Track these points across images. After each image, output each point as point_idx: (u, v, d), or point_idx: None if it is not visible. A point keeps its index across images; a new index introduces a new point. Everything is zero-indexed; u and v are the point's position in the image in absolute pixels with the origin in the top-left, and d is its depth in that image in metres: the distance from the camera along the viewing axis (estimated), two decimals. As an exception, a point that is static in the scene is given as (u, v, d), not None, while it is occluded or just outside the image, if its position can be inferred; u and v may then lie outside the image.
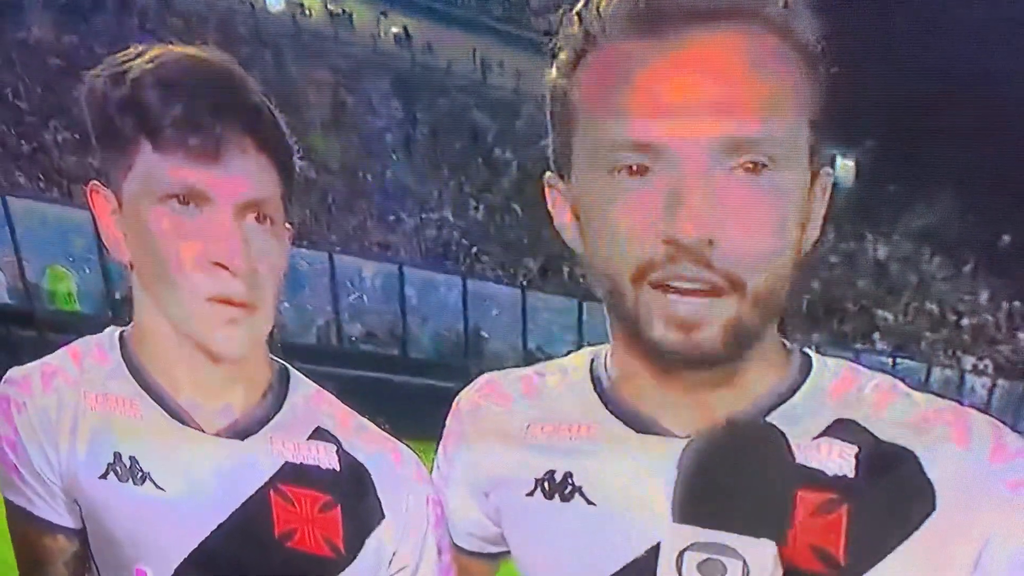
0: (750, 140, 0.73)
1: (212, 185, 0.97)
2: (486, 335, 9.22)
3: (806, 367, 0.82)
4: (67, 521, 1.07)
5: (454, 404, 0.98)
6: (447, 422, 0.99)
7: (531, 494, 0.86)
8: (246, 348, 1.01)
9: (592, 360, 0.88)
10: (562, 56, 0.80)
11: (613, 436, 0.83)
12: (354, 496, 1.06)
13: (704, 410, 0.77)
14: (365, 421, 1.09)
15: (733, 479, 0.69)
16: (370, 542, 1.02)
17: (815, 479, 0.75)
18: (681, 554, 0.69)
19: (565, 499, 0.84)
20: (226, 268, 0.95)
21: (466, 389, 0.98)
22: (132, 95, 0.98)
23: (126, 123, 0.99)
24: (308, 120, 11.23)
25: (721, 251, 0.73)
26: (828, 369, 0.83)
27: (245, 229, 0.98)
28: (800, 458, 0.74)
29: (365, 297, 8.52)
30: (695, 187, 0.74)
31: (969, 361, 13.38)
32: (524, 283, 9.47)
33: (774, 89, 0.74)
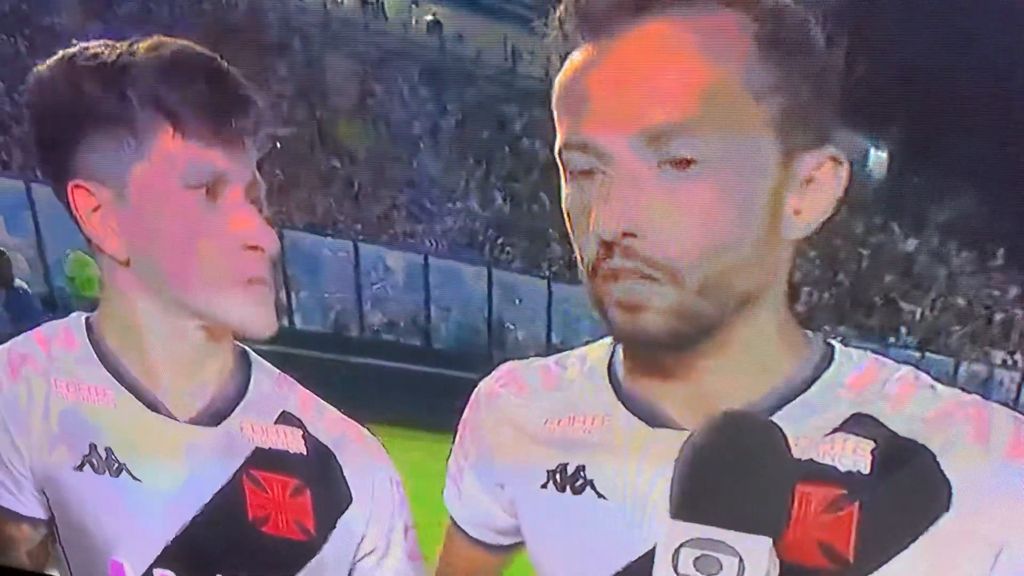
0: (669, 133, 0.73)
1: (231, 167, 0.96)
2: (510, 326, 9.25)
3: (827, 358, 0.81)
4: (32, 511, 1.06)
5: (474, 393, 0.97)
6: (465, 411, 0.99)
7: (544, 486, 0.89)
8: (275, 325, 1.02)
9: (612, 350, 0.88)
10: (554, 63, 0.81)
11: (625, 429, 0.84)
12: (322, 479, 1.05)
13: (712, 403, 0.76)
14: (324, 404, 1.09)
15: (729, 475, 0.68)
16: (340, 523, 1.01)
17: (824, 474, 0.74)
18: (677, 550, 0.69)
19: (576, 491, 0.87)
20: (261, 249, 0.95)
21: (486, 378, 0.97)
22: (145, 79, 0.96)
23: (136, 109, 0.97)
24: (336, 108, 11.33)
25: (647, 243, 0.74)
26: (851, 361, 0.81)
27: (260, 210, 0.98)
28: (813, 453, 0.74)
29: (388, 287, 8.57)
30: (621, 184, 0.75)
31: (998, 356, 13.33)
32: (550, 274, 9.48)
33: (706, 79, 0.74)
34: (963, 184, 13.94)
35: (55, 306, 5.78)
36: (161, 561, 1.04)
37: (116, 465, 1.04)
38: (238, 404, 1.04)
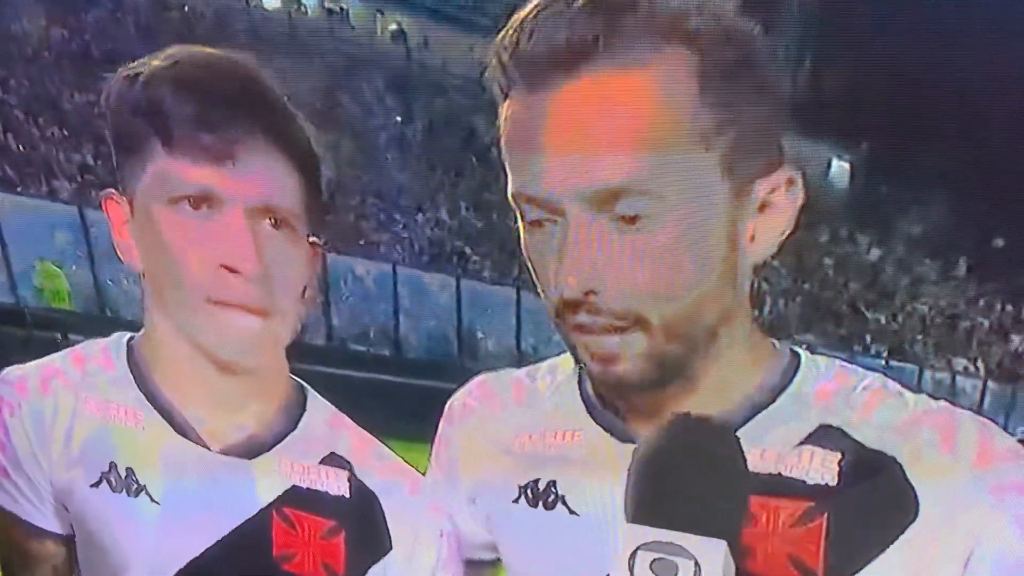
0: (613, 192, 0.68)
1: (224, 186, 0.93)
2: (480, 335, 9.21)
3: (793, 368, 0.80)
4: (56, 526, 1.04)
5: (447, 406, 0.96)
6: (439, 425, 0.97)
7: (516, 501, 0.86)
8: (259, 357, 0.98)
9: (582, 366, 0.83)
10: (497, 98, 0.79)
11: (596, 444, 0.82)
12: (361, 524, 1.02)
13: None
14: (385, 449, 1.06)
15: (683, 477, 0.67)
16: (373, 571, 0.99)
17: (792, 488, 0.74)
18: (633, 553, 0.67)
19: (548, 507, 0.84)
20: (236, 271, 0.93)
21: (459, 391, 0.96)
22: (145, 95, 0.96)
23: (139, 125, 0.97)
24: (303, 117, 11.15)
25: (609, 296, 0.72)
26: (818, 369, 0.81)
27: (258, 233, 0.95)
28: (780, 466, 0.74)
29: (356, 297, 8.50)
30: (576, 240, 0.73)
31: (960, 363, 13.40)
32: (519, 283, 9.45)
33: (647, 134, 0.72)
34: (927, 194, 14.07)
35: (23, 319, 5.66)
36: None
37: (135, 486, 1.01)
38: (281, 441, 1.01)
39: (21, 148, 6.88)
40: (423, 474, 1.04)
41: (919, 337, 13.46)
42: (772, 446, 0.73)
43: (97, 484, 1.02)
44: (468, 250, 10.53)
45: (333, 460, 1.04)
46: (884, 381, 0.79)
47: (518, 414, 0.89)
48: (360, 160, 11.52)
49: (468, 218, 11.08)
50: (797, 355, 0.81)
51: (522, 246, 0.78)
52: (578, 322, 0.73)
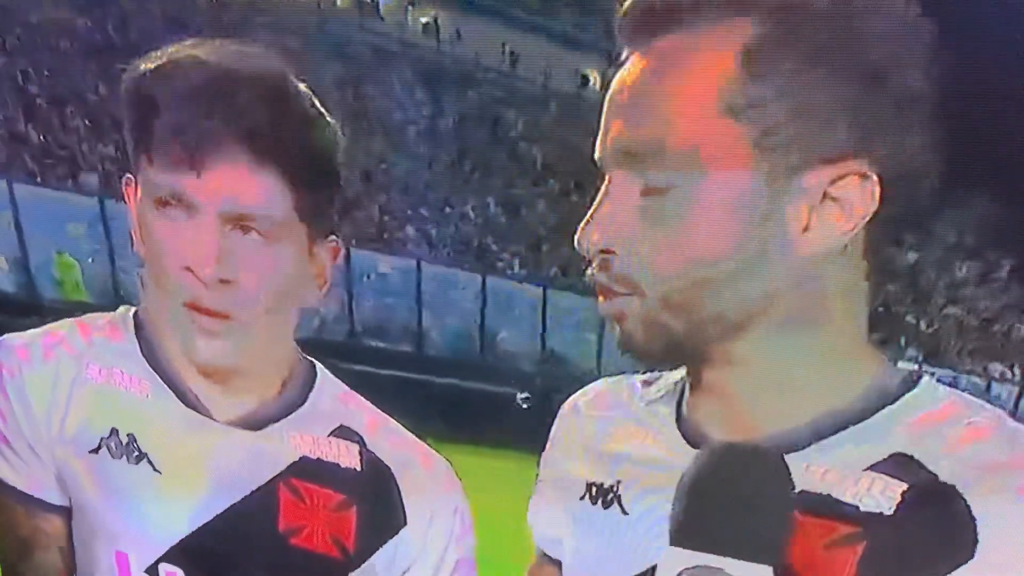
0: (643, 154, 0.71)
1: (195, 192, 0.92)
2: (504, 334, 9.20)
3: (902, 390, 0.73)
4: (56, 498, 1.01)
5: (563, 406, 0.96)
6: (553, 424, 0.97)
7: (582, 498, 0.84)
8: (227, 360, 0.97)
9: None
10: None
11: (669, 448, 0.79)
12: (375, 499, 1.01)
13: (746, 425, 0.71)
14: (397, 425, 1.05)
15: (730, 504, 0.66)
16: (386, 547, 0.96)
17: (840, 512, 0.68)
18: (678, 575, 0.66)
19: (606, 505, 0.82)
20: (194, 273, 0.90)
21: (578, 391, 0.95)
22: (137, 92, 0.94)
23: (131, 123, 0.95)
24: (329, 111, 11.24)
25: (621, 260, 0.73)
26: (932, 397, 0.74)
27: (228, 239, 0.92)
28: (837, 490, 0.68)
29: (379, 293, 8.53)
30: (606, 197, 0.75)
31: (997, 369, 13.36)
32: (545, 282, 9.43)
33: (685, 95, 0.73)
34: (968, 194, 13.99)
35: (41, 309, 5.68)
36: (170, 557, 0.98)
37: (137, 453, 0.99)
38: (288, 416, 0.99)
39: (43, 139, 6.90)
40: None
41: (955, 341, 13.37)
42: (839, 466, 0.69)
43: (96, 450, 1.01)
44: (495, 247, 10.54)
45: (343, 433, 1.04)
46: (1001, 420, 0.74)
47: (616, 414, 0.87)
48: (387, 154, 11.58)
49: (496, 214, 11.09)
50: (916, 377, 0.74)
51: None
52: (596, 280, 0.74)
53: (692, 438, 0.80)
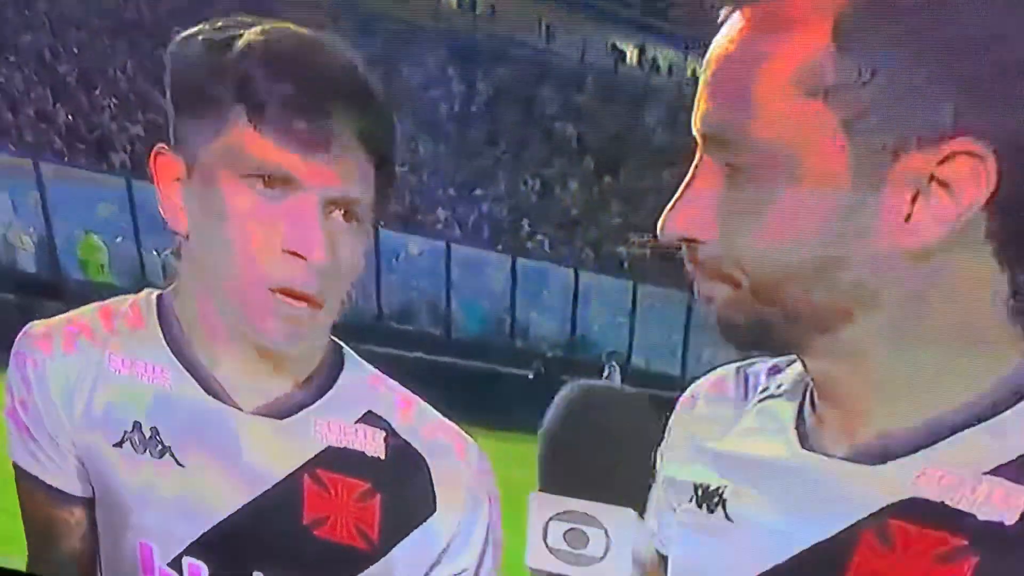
0: (721, 136, 0.82)
1: (306, 174, 0.89)
2: (534, 316, 9.16)
3: None
4: (78, 489, 1.00)
5: (681, 396, 0.94)
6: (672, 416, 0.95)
7: (690, 500, 0.80)
8: (301, 346, 0.93)
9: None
10: None
11: (784, 450, 0.75)
12: (402, 485, 0.98)
13: (862, 426, 0.66)
14: (428, 408, 1.02)
15: (591, 447, 0.78)
16: (415, 535, 0.91)
17: (946, 518, 0.63)
18: (546, 524, 0.81)
19: (711, 510, 0.78)
20: (303, 258, 0.85)
21: (698, 380, 0.92)
22: (239, 64, 0.88)
23: (225, 91, 0.90)
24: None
25: (705, 247, 0.66)
26: None
27: (330, 223, 0.87)
28: (950, 496, 0.63)
29: (408, 275, 8.52)
30: (690, 179, 0.74)
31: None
32: (577, 263, 9.35)
33: (766, 70, 0.71)
34: None
35: (64, 290, 5.72)
36: (193, 550, 0.96)
37: (160, 447, 0.97)
38: (315, 402, 0.96)
39: (70, 117, 6.92)
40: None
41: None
42: (960, 469, 0.63)
43: (119, 444, 0.98)
44: (526, 228, 10.52)
45: (370, 419, 1.00)
46: None
47: (732, 410, 0.84)
48: (418, 134, 11.57)
49: (527, 194, 11.07)
50: None
51: None
52: (688, 266, 0.71)
53: (808, 441, 0.76)
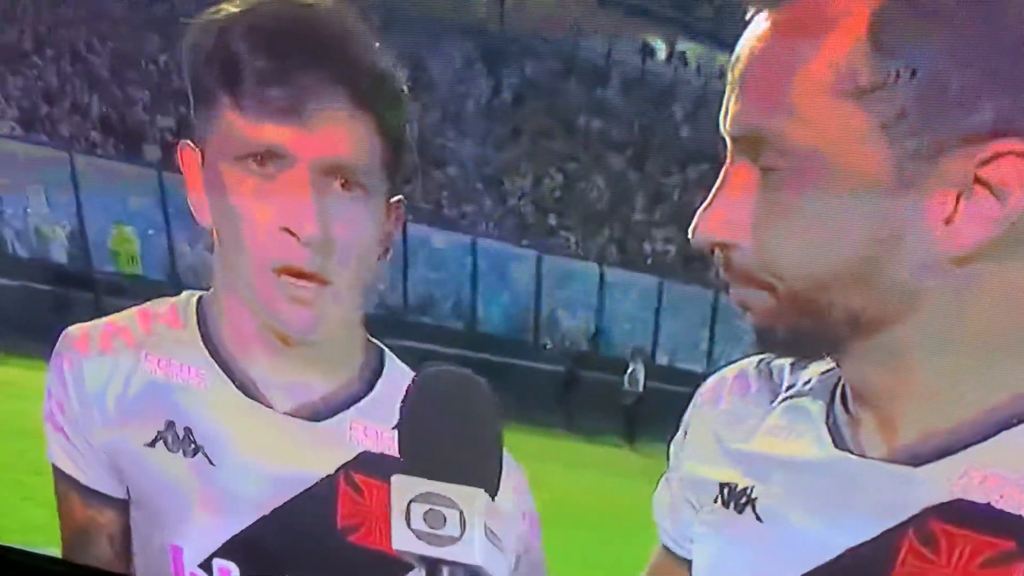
0: (756, 137, 0.66)
1: (291, 143, 0.90)
2: (559, 312, 9.15)
3: None
4: (112, 489, 1.01)
5: (698, 391, 0.94)
6: (688, 408, 0.95)
7: (715, 500, 0.81)
8: (316, 328, 0.94)
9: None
10: None
11: (815, 450, 0.75)
12: None
13: (898, 429, 0.67)
14: None
15: (440, 429, 0.69)
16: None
17: (994, 521, 0.63)
18: (408, 505, 0.71)
19: (739, 510, 0.79)
20: (295, 235, 0.86)
21: (716, 374, 0.92)
22: (217, 43, 0.90)
23: (210, 75, 0.91)
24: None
25: (738, 254, 0.70)
26: None
27: (325, 194, 0.88)
28: (994, 497, 0.63)
29: (433, 269, 8.52)
30: (721, 184, 0.70)
31: None
32: (601, 259, 9.32)
33: (803, 71, 0.74)
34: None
35: (94, 283, 5.78)
36: (224, 552, 0.97)
37: (193, 446, 0.98)
38: (352, 406, 0.95)
39: (104, 110, 6.98)
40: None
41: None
42: (1004, 470, 0.63)
43: (152, 443, 1.00)
44: (553, 223, 10.47)
45: None
46: None
47: (758, 408, 0.84)
48: (444, 128, 11.54)
49: (553, 190, 11.02)
50: None
51: None
52: (721, 273, 0.71)
53: (841, 442, 0.75)
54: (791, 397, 0.82)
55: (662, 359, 6.68)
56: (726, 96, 0.69)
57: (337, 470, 0.97)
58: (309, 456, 1.00)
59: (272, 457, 0.99)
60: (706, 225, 0.69)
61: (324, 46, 0.91)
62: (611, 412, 5.95)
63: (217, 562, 1.02)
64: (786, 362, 0.84)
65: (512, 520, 1.00)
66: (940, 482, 0.67)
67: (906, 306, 0.69)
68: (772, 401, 0.82)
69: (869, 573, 0.69)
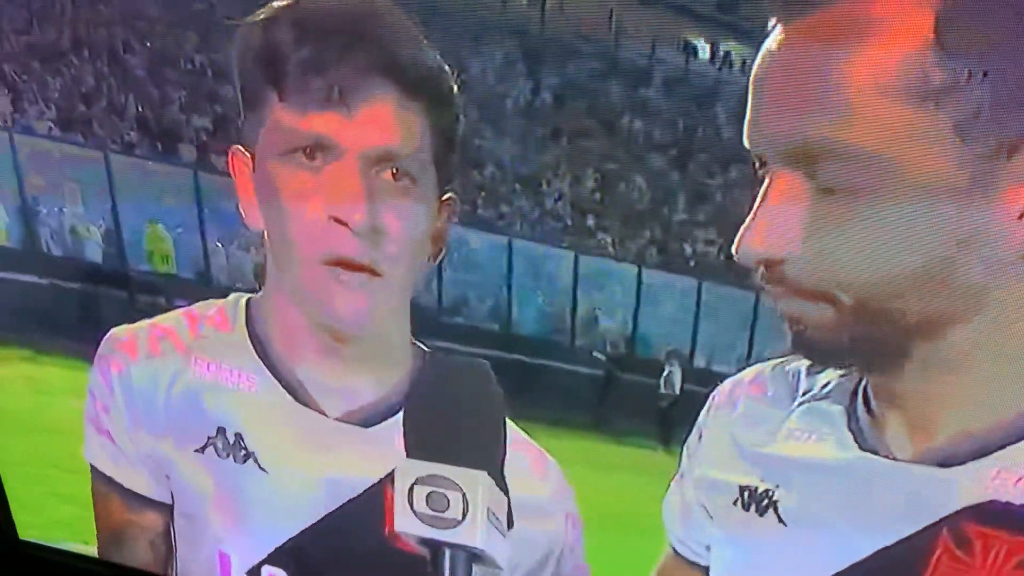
0: (819, 150, 0.74)
1: (337, 133, 0.86)
2: (597, 313, 9.11)
3: None
4: (156, 495, 0.97)
5: (716, 391, 0.90)
6: (703, 411, 0.91)
7: (735, 503, 0.77)
8: (367, 320, 0.90)
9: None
10: None
11: (840, 453, 0.71)
12: None
13: (930, 431, 0.62)
14: (510, 424, 0.98)
15: (445, 413, 0.83)
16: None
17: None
18: (411, 488, 0.84)
19: (760, 513, 0.75)
20: (345, 224, 0.82)
21: (732, 377, 0.88)
22: (263, 40, 0.86)
23: (257, 74, 0.88)
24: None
25: (797, 269, 0.64)
26: None
27: (374, 184, 0.84)
28: (1015, 494, 0.58)
29: (469, 269, 8.53)
30: (769, 200, 0.79)
31: None
32: (640, 261, 9.26)
33: (870, 78, 0.65)
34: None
35: (127, 282, 5.83)
36: (274, 559, 0.94)
37: (244, 452, 0.95)
38: (397, 413, 0.94)
39: (139, 109, 7.04)
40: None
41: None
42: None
43: (202, 449, 0.96)
44: (591, 224, 10.45)
45: None
46: None
47: (777, 410, 0.80)
48: (482, 128, 11.53)
49: (592, 191, 10.99)
50: None
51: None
52: (764, 284, 0.66)
53: (864, 442, 0.72)
54: (810, 400, 0.76)
55: (699, 362, 6.60)
56: (753, 111, 0.64)
57: (387, 476, 0.94)
58: (359, 462, 0.97)
59: (323, 463, 0.96)
60: (752, 241, 0.64)
61: (368, 36, 0.88)
62: (647, 414, 5.90)
63: (266, 569, 0.99)
64: (803, 365, 0.79)
65: (550, 519, 0.97)
66: (973, 483, 0.63)
67: (973, 305, 0.64)
68: (790, 404, 0.77)
69: (902, 574, 0.65)
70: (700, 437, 0.86)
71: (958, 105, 0.64)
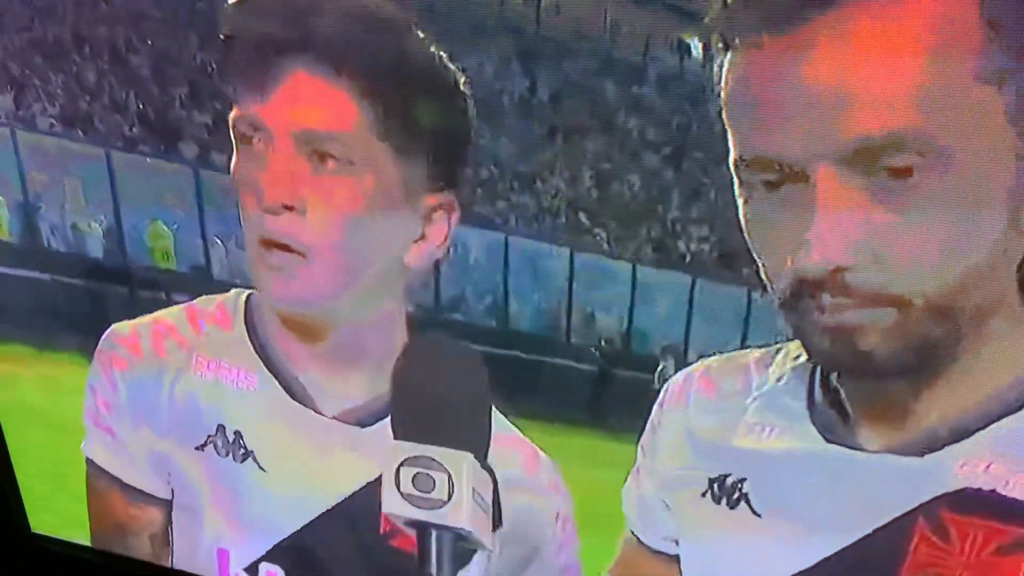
0: (883, 144, 0.58)
1: (266, 116, 0.87)
2: (591, 310, 9.11)
3: None
4: (156, 490, 1.00)
5: (666, 387, 0.92)
6: (654, 407, 0.93)
7: (704, 495, 0.81)
8: (297, 301, 0.94)
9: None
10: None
11: (801, 443, 0.73)
12: None
13: (911, 421, 0.64)
14: (503, 420, 1.02)
15: (431, 395, 0.91)
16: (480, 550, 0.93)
17: (1003, 509, 0.61)
18: (398, 470, 0.94)
19: (732, 505, 0.78)
20: (267, 203, 0.86)
21: (680, 373, 0.91)
22: (224, 33, 0.91)
23: (222, 67, 0.90)
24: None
25: (862, 275, 0.62)
26: None
27: (295, 164, 0.88)
28: (998, 483, 0.61)
29: (464, 266, 8.51)
30: (824, 207, 0.63)
31: None
32: (635, 258, 9.25)
33: (929, 65, 0.59)
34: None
35: (128, 277, 5.84)
36: (271, 557, 0.98)
37: (243, 451, 0.98)
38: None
39: (141, 106, 7.04)
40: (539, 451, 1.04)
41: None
42: (1008, 457, 0.61)
43: (202, 447, 1.00)
44: (586, 221, 10.43)
45: None
46: None
47: (733, 404, 0.82)
48: (479, 126, 11.40)
49: (588, 188, 10.96)
50: None
51: (741, 218, 0.70)
52: (820, 304, 0.66)
53: (829, 434, 0.72)
54: (764, 393, 0.79)
55: (693, 357, 6.60)
56: (776, 118, 0.64)
57: (381, 475, 0.97)
58: (356, 461, 0.99)
59: (320, 463, 0.99)
60: (815, 254, 0.64)
61: (289, 11, 0.90)
62: (641, 410, 5.90)
63: (264, 566, 1.01)
64: (751, 358, 0.82)
65: (538, 514, 1.00)
66: (942, 472, 0.65)
67: (1003, 292, 0.65)
68: (745, 400, 0.80)
69: (880, 563, 0.67)
70: (654, 433, 0.88)
71: (1014, 87, 0.66)
